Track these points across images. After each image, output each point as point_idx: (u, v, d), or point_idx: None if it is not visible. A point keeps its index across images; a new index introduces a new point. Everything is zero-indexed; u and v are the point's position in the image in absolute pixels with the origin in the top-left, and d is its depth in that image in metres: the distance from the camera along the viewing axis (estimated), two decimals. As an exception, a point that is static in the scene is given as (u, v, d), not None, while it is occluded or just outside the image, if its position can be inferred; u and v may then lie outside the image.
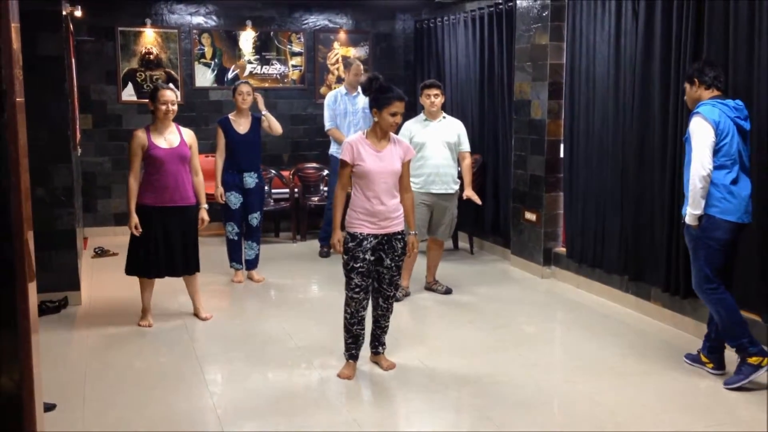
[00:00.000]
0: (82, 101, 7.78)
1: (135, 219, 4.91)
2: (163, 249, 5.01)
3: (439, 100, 5.71)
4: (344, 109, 7.15)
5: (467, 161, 5.85)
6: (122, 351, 4.67)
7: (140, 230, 4.91)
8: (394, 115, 4.03)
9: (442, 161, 5.69)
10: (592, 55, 5.75)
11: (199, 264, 5.25)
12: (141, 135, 4.96)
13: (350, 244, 4.07)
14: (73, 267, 5.59)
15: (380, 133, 4.11)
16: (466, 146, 5.84)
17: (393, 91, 4.07)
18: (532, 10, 6.40)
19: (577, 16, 5.90)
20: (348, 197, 4.18)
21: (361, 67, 7.29)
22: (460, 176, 5.90)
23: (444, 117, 5.81)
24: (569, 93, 6.10)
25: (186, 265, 5.12)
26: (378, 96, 4.07)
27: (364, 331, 4.24)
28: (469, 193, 5.81)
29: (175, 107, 5.01)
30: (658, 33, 5.01)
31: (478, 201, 5.93)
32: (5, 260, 2.12)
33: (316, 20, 8.70)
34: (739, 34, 4.38)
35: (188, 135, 5.12)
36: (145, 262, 5.01)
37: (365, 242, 4.06)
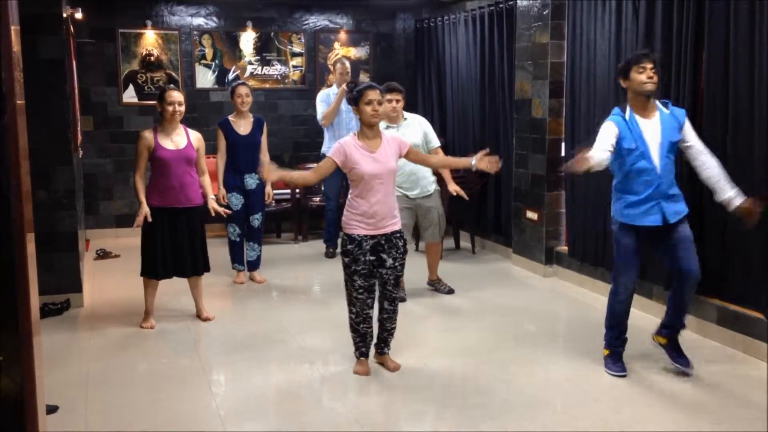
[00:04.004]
0: (83, 103, 7.79)
1: (146, 209, 4.89)
2: (171, 250, 5.03)
3: (400, 105, 5.50)
4: (337, 108, 7.14)
5: (440, 156, 5.70)
6: (125, 353, 4.67)
7: (150, 218, 4.90)
8: (369, 103, 4.00)
9: (415, 166, 5.37)
10: (592, 53, 5.74)
11: (209, 264, 5.27)
12: (148, 136, 4.98)
13: (349, 246, 4.06)
14: (75, 269, 5.60)
15: (368, 132, 4.08)
16: (435, 142, 5.67)
17: (364, 84, 4.09)
18: (533, 8, 6.39)
19: (578, 14, 5.89)
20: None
21: (347, 64, 7.27)
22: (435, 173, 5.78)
23: (405, 119, 5.61)
24: (570, 91, 6.09)
25: (194, 265, 5.14)
26: (353, 95, 4.08)
27: (371, 329, 4.24)
28: (455, 188, 5.70)
29: (183, 108, 5.02)
30: (659, 31, 5.00)
31: (465, 197, 5.80)
32: (6, 262, 2.12)
33: (316, 20, 8.70)
34: (740, 33, 4.37)
35: (195, 137, 5.13)
36: (155, 263, 5.03)
37: (364, 243, 4.06)
